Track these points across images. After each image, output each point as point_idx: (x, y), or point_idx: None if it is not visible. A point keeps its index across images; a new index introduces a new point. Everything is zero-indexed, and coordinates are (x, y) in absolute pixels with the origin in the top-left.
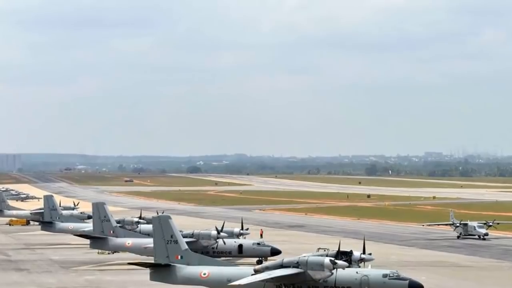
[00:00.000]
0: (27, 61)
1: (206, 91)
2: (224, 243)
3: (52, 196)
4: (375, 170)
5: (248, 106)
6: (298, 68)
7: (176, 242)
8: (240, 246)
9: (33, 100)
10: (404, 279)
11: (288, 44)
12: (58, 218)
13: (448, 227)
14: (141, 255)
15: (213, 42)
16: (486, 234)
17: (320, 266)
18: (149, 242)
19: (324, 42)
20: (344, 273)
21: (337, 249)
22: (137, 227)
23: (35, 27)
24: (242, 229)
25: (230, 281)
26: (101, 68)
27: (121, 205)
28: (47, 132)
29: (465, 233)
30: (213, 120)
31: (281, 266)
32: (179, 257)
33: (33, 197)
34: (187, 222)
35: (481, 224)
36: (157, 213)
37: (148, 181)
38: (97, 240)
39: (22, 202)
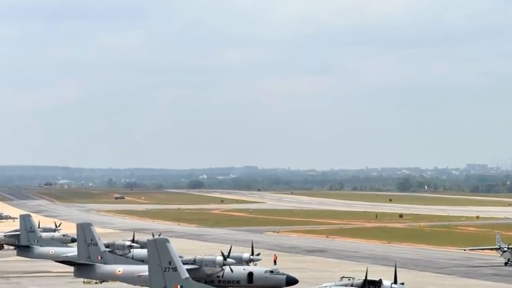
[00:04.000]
0: None
1: (209, 94)
2: (232, 270)
3: (29, 215)
4: (408, 185)
5: (258, 112)
6: (317, 67)
7: (175, 269)
8: (250, 274)
9: (5, 104)
10: None
11: (305, 39)
12: (37, 241)
13: (494, 251)
14: (134, 284)
15: (216, 38)
16: None
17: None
18: (143, 269)
19: (347, 37)
20: None
21: (364, 278)
22: (130, 252)
23: (5, 18)
24: (252, 254)
25: None
26: (84, 68)
27: (111, 226)
28: (22, 141)
29: None
30: (217, 127)
31: None
32: (179, 287)
33: (7, 217)
34: (188, 246)
35: None
36: (153, 236)
37: (142, 198)
38: (82, 267)
39: None
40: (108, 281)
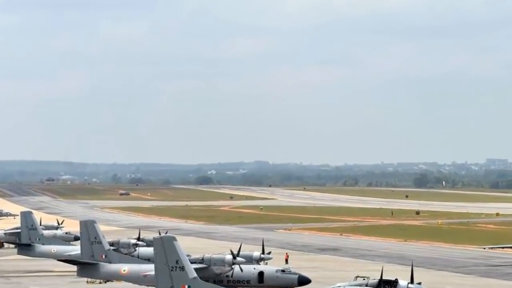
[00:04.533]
0: None
1: (217, 86)
2: (241, 270)
3: (31, 212)
4: (425, 180)
5: (269, 104)
6: (331, 58)
7: (182, 269)
8: (261, 273)
9: (5, 96)
10: None
11: (317, 28)
12: (38, 239)
13: None
14: (140, 284)
15: (225, 27)
16: None
17: None
18: (149, 268)
19: (361, 26)
20: None
21: (379, 278)
22: (135, 250)
23: (4, 7)
24: (263, 253)
25: None
26: (87, 59)
27: (116, 223)
28: (23, 134)
29: None
30: (227, 120)
31: None
32: (187, 287)
33: (7, 214)
34: (196, 245)
35: None
36: (160, 234)
37: (148, 194)
38: (86, 267)
39: None
40: (112, 281)
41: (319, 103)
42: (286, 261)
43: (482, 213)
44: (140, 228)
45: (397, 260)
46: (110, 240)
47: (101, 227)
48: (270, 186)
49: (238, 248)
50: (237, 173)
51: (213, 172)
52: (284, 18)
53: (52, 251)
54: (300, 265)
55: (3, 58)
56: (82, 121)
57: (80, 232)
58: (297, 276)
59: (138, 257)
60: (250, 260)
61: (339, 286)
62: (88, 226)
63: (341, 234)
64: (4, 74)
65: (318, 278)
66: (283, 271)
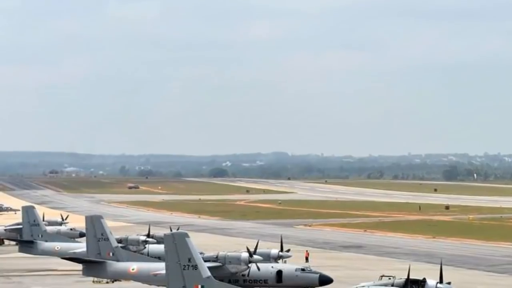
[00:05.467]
0: None
1: (232, 72)
2: (258, 269)
3: (33, 207)
4: (455, 173)
5: (288, 92)
6: (354, 42)
7: (195, 267)
8: (279, 272)
9: (6, 83)
10: None
11: (340, 11)
12: (41, 236)
13: None
14: (150, 284)
15: (241, 9)
16: None
17: None
18: (159, 267)
19: (387, 8)
20: None
21: (406, 277)
22: (145, 247)
23: None
24: (281, 250)
25: None
26: (94, 43)
27: (124, 219)
28: (25, 124)
29: None
30: (242, 109)
31: None
32: (200, 287)
33: (8, 209)
34: (210, 242)
35: None
36: (171, 230)
37: (159, 187)
38: (92, 265)
39: None
40: (120, 280)
41: (341, 90)
42: (307, 259)
43: None
44: (150, 224)
45: (425, 258)
46: (117, 236)
47: (108, 223)
48: (289, 179)
49: (255, 245)
50: (253, 165)
51: (228, 164)
52: (304, 0)
53: (56, 248)
54: (321, 263)
55: (3, 43)
56: (88, 109)
57: (86, 228)
58: (318, 275)
59: (147, 255)
60: (267, 258)
61: (363, 286)
62: (94, 221)
63: (365, 230)
64: (4, 59)
65: (341, 277)
66: (303, 270)
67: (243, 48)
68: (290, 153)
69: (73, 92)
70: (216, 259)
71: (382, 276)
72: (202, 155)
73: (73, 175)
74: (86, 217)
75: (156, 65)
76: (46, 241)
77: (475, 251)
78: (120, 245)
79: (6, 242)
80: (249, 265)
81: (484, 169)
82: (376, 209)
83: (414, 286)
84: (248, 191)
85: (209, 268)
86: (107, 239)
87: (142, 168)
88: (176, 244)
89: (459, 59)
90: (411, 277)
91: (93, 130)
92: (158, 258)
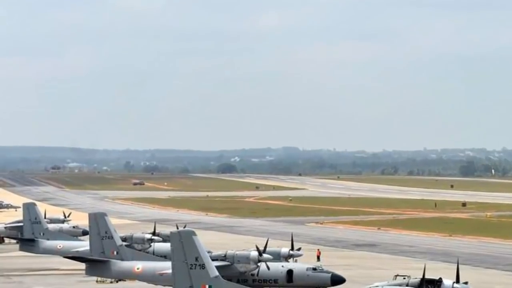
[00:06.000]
0: None
1: (241, 64)
2: (268, 268)
3: (34, 204)
4: (472, 169)
5: (299, 84)
6: (367, 33)
7: (202, 266)
8: (290, 272)
9: (6, 76)
10: None
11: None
12: (43, 234)
13: None
14: (155, 284)
15: None
16: None
17: None
18: (165, 266)
19: None
20: None
21: (422, 277)
22: (150, 246)
23: None
24: (292, 249)
25: None
26: (98, 34)
27: (128, 216)
28: (26, 118)
29: None
30: (252, 103)
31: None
32: (207, 287)
33: (8, 206)
34: (218, 240)
35: None
36: (177, 228)
37: (165, 183)
38: (95, 264)
39: None
40: (125, 280)
41: (354, 83)
42: (318, 258)
43: None
44: (155, 222)
45: (441, 257)
46: (122, 235)
47: (113, 221)
48: (300, 174)
49: (265, 243)
50: (263, 160)
51: (237, 159)
52: None
53: (58, 247)
54: (333, 262)
55: (4, 33)
56: (92, 102)
57: (89, 226)
58: (330, 274)
59: (153, 253)
60: (278, 257)
61: (377, 286)
62: (98, 219)
63: (379, 228)
64: (5, 51)
65: (354, 277)
66: (314, 269)
67: (252, 39)
68: (301, 148)
69: (76, 85)
70: (224, 258)
71: (396, 276)
72: (209, 150)
73: (76, 170)
74: (90, 215)
75: (162, 57)
76: (48, 239)
77: (492, 249)
78: (124, 243)
79: (7, 240)
80: (259, 264)
81: (502, 165)
82: (390, 206)
83: (429, 286)
84: (257, 187)
85: (217, 267)
86: (111, 237)
87: (148, 163)
88: (183, 242)
89: (477, 50)
90: (426, 276)
91: (97, 124)
92: (164, 257)
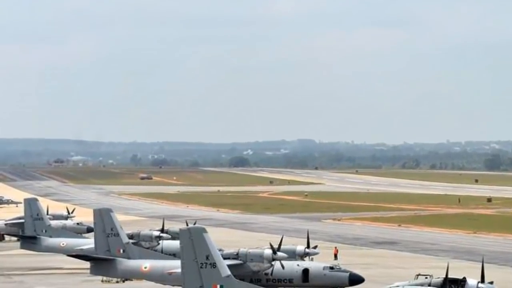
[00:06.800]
0: None
1: (254, 52)
2: (283, 267)
3: (36, 199)
4: (498, 162)
5: (315, 73)
6: (387, 19)
7: (213, 265)
8: (306, 271)
9: (7, 64)
10: None
11: None
12: (45, 231)
13: None
14: (164, 284)
15: None
16: None
17: None
18: (174, 265)
19: None
20: None
21: (445, 276)
22: (158, 244)
23: None
24: (308, 247)
25: None
26: (102, 20)
27: (135, 212)
28: (27, 108)
29: None
30: (265, 92)
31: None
32: (219, 287)
33: (9, 202)
34: (230, 237)
35: None
36: (187, 224)
37: (174, 178)
38: (100, 263)
39: None
40: (132, 280)
41: (373, 71)
42: (335, 256)
43: None
44: (164, 218)
45: (465, 255)
46: (129, 232)
47: (119, 217)
48: (316, 168)
49: (279, 241)
50: (277, 153)
51: (250, 152)
52: None
53: (61, 244)
54: (351, 261)
55: (5, 20)
56: (96, 92)
57: (94, 223)
58: (348, 274)
59: (161, 252)
60: (293, 255)
61: (397, 286)
62: (103, 215)
63: (399, 225)
64: (6, 37)
65: (373, 276)
66: (331, 268)
67: (266, 25)
68: (317, 140)
69: (80, 73)
70: (236, 256)
71: (418, 275)
72: (221, 142)
73: (80, 164)
74: (95, 211)
75: (171, 43)
76: (51, 236)
77: None
78: (131, 241)
79: (7, 238)
80: (273, 263)
81: None
82: (412, 201)
83: (453, 286)
84: (271, 182)
85: (229, 266)
86: (117, 234)
87: (156, 156)
88: (193, 240)
89: (503, 37)
90: (449, 276)
91: (102, 115)
92: (173, 255)
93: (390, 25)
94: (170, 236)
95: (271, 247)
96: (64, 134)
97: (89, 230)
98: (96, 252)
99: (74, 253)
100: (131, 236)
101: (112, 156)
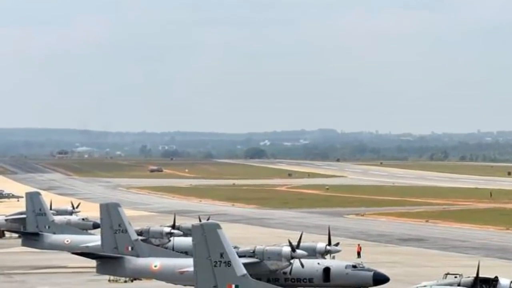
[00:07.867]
0: None
1: (272, 37)
2: (302, 265)
3: (38, 193)
4: None
5: (336, 58)
6: (414, 1)
7: (228, 264)
8: (327, 270)
9: (8, 49)
10: None
11: None
12: (48, 227)
13: None
14: (175, 283)
15: None
16: None
17: None
18: (186, 263)
19: None
20: None
21: (475, 275)
22: (169, 241)
23: None
24: (329, 244)
25: None
26: (110, 2)
27: (145, 207)
28: (30, 96)
29: None
30: (283, 79)
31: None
32: (234, 287)
33: (9, 196)
34: (246, 234)
35: None
36: (200, 220)
37: (186, 170)
38: (107, 261)
39: None
40: (141, 279)
41: (399, 57)
42: (359, 254)
43: None
44: (175, 213)
45: (497, 253)
46: (138, 228)
47: (127, 212)
48: (338, 160)
49: (298, 238)
50: (296, 144)
51: (267, 143)
52: None
53: (65, 241)
54: (375, 259)
55: (6, 1)
56: (103, 79)
57: (101, 218)
58: (372, 273)
59: (173, 249)
60: (313, 253)
61: (425, 286)
62: (110, 210)
63: (427, 221)
64: (7, 20)
65: (399, 275)
66: (354, 266)
67: (284, 7)
68: (339, 130)
69: (85, 59)
70: (252, 254)
71: (446, 274)
72: (236, 132)
73: (86, 156)
74: (101, 205)
75: (182, 27)
76: (54, 233)
77: None
78: (140, 238)
79: (8, 234)
80: (291, 261)
81: None
82: (440, 195)
83: (484, 285)
84: (290, 174)
85: (245, 264)
86: (125, 231)
87: (166, 147)
88: (206, 236)
89: None
90: (480, 275)
91: (109, 104)
92: (185, 253)
93: (416, 7)
94: (181, 233)
95: (290, 244)
96: (68, 124)
97: (95, 226)
98: (103, 249)
99: (79, 251)
100: (140, 233)
101: (119, 147)
